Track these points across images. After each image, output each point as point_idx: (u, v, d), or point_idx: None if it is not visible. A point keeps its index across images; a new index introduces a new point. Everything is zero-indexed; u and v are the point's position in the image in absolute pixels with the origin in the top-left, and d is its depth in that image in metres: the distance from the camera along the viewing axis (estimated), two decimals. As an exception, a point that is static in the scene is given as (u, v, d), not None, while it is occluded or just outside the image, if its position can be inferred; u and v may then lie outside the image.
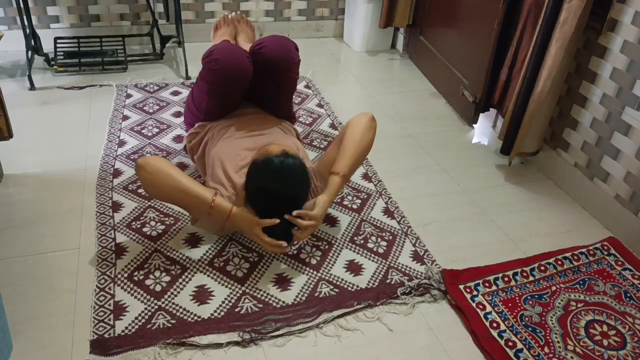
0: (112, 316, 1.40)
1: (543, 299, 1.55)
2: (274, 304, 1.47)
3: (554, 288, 1.59)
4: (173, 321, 1.40)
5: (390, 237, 1.75)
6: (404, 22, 3.00)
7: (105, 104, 2.41)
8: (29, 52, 2.57)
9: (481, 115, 2.41)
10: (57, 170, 1.95)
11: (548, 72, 1.86)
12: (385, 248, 1.70)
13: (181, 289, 1.50)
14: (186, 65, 2.70)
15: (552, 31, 1.83)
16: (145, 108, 2.41)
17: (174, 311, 1.43)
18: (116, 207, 1.78)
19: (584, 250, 1.74)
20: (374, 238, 1.74)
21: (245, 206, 1.53)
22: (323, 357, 1.35)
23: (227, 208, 1.51)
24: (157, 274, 1.54)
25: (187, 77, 2.69)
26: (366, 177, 2.04)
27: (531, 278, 1.62)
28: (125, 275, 1.53)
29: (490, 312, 1.49)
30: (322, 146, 2.22)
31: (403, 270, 1.62)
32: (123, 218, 1.74)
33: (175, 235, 1.69)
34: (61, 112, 2.33)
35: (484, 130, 2.45)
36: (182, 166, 2.01)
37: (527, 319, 1.48)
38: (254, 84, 1.79)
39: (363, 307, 1.49)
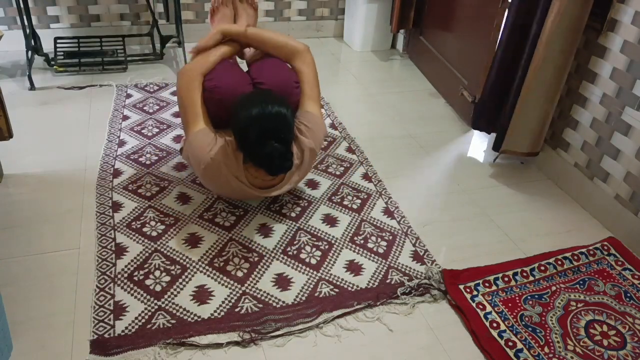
0: (112, 316, 1.40)
1: (543, 299, 1.55)
2: (274, 304, 1.47)
3: (554, 288, 1.59)
4: (173, 321, 1.40)
5: (390, 237, 1.75)
6: (410, 24, 3.00)
7: (105, 104, 2.41)
8: (29, 52, 2.57)
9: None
10: (57, 170, 1.95)
11: (533, 66, 1.87)
12: (385, 248, 1.70)
13: (181, 289, 1.50)
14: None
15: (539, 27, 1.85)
16: (145, 108, 2.41)
17: (174, 311, 1.43)
18: (116, 207, 1.78)
19: (584, 250, 1.74)
20: (374, 238, 1.74)
21: (236, 153, 1.58)
22: (323, 357, 1.35)
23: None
24: (157, 274, 1.54)
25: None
26: (366, 177, 2.04)
27: (531, 278, 1.62)
28: (125, 275, 1.53)
29: (490, 312, 1.49)
30: (321, 146, 2.22)
31: (403, 270, 1.62)
32: (123, 218, 1.74)
33: (175, 235, 1.69)
34: (61, 112, 2.33)
35: (484, 130, 2.45)
36: (181, 166, 2.01)
37: (527, 319, 1.48)
38: None
39: (363, 307, 1.49)
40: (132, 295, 1.46)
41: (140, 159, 2.04)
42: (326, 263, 1.63)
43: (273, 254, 1.64)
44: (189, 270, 1.56)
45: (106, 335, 1.34)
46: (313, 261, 1.63)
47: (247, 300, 1.48)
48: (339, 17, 3.38)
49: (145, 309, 1.43)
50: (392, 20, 3.00)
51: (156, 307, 1.44)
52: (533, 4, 1.89)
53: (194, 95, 1.66)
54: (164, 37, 2.85)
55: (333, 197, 1.92)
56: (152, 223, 1.73)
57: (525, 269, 1.64)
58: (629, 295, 1.59)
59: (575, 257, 1.71)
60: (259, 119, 1.50)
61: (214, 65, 1.73)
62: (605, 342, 1.43)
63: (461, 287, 1.55)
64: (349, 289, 1.55)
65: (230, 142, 1.59)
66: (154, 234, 1.68)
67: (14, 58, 2.77)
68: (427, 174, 2.11)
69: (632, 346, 1.43)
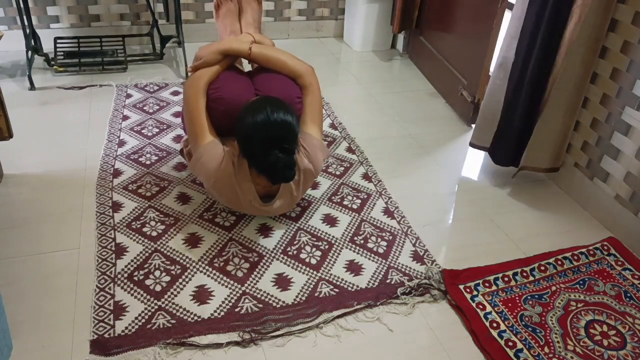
0: (112, 316, 1.40)
1: (543, 299, 1.55)
2: (274, 304, 1.47)
3: (554, 288, 1.59)
4: (173, 321, 1.40)
5: (390, 237, 1.75)
6: (412, 24, 3.00)
7: (105, 104, 2.41)
8: (29, 52, 2.57)
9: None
10: (57, 170, 1.95)
11: (553, 78, 1.83)
12: (385, 248, 1.70)
13: (181, 289, 1.50)
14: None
15: (557, 37, 1.78)
16: (145, 108, 2.41)
17: (174, 311, 1.43)
18: (116, 207, 1.78)
19: (584, 250, 1.74)
20: (374, 238, 1.74)
21: (240, 159, 1.57)
22: (323, 357, 1.35)
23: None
24: (157, 274, 1.54)
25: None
26: (366, 177, 2.04)
27: (531, 278, 1.62)
28: (125, 275, 1.53)
29: (490, 312, 1.49)
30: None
31: (403, 270, 1.63)
32: (123, 218, 1.74)
33: (175, 235, 1.69)
34: (61, 112, 2.33)
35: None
36: (180, 166, 2.01)
37: (527, 319, 1.48)
38: None
39: (363, 307, 1.49)
40: (132, 295, 1.46)
41: (140, 159, 2.04)
42: (326, 263, 1.63)
43: (273, 254, 1.64)
44: (189, 270, 1.56)
45: (106, 335, 1.34)
46: (313, 261, 1.63)
47: (247, 300, 1.48)
48: (339, 17, 3.38)
49: (145, 309, 1.43)
50: (393, 21, 2.99)
51: (156, 307, 1.44)
52: (544, 14, 1.78)
53: (201, 106, 1.64)
54: (164, 37, 2.85)
55: (333, 197, 1.92)
56: (152, 223, 1.73)
57: (525, 269, 1.64)
58: (629, 295, 1.59)
59: (575, 257, 1.71)
60: (264, 127, 1.49)
61: (218, 73, 1.72)
62: (605, 342, 1.43)
63: (461, 287, 1.55)
64: (349, 289, 1.55)
65: (236, 149, 1.59)
66: (154, 234, 1.68)
67: (14, 58, 2.77)
68: (427, 174, 2.11)
69: (632, 346, 1.43)
